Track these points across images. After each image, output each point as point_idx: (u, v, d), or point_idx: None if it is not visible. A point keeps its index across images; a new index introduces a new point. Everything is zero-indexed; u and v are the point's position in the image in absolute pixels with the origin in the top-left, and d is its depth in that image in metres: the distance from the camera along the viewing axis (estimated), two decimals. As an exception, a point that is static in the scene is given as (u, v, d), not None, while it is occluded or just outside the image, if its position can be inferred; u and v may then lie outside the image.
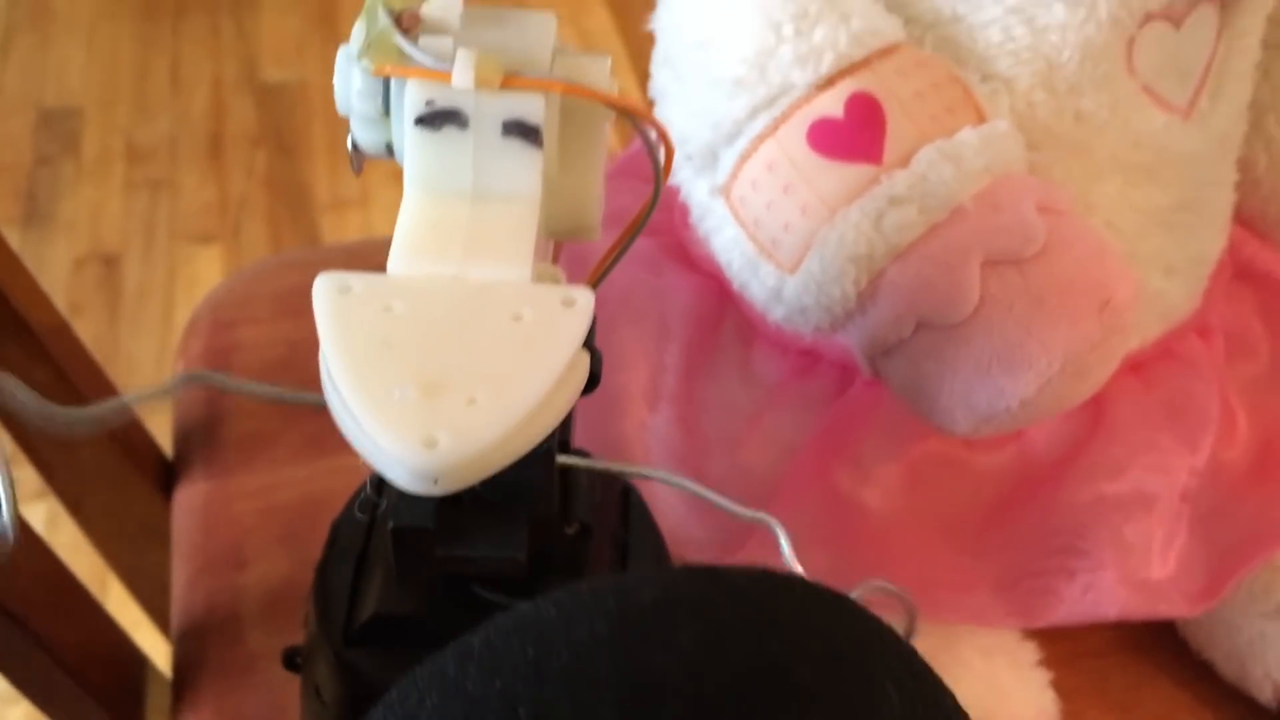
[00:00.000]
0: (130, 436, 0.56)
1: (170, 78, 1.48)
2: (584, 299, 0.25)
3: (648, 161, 0.45)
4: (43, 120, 1.44)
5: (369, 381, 0.23)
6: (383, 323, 0.24)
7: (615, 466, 0.33)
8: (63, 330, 0.52)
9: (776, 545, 0.37)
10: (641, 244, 0.48)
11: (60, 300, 1.23)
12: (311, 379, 0.61)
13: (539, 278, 0.26)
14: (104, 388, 0.55)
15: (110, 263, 1.30)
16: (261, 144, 1.41)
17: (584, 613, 0.24)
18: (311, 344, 0.65)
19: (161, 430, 0.59)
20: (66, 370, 0.50)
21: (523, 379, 0.24)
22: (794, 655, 0.24)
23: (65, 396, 0.51)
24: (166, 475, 0.56)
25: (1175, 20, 0.41)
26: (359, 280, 0.25)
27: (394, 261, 0.26)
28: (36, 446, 0.52)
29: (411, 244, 0.26)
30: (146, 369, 1.20)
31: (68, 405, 0.51)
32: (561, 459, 0.31)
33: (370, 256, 0.66)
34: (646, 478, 0.34)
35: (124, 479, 0.55)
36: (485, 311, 0.25)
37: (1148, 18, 0.40)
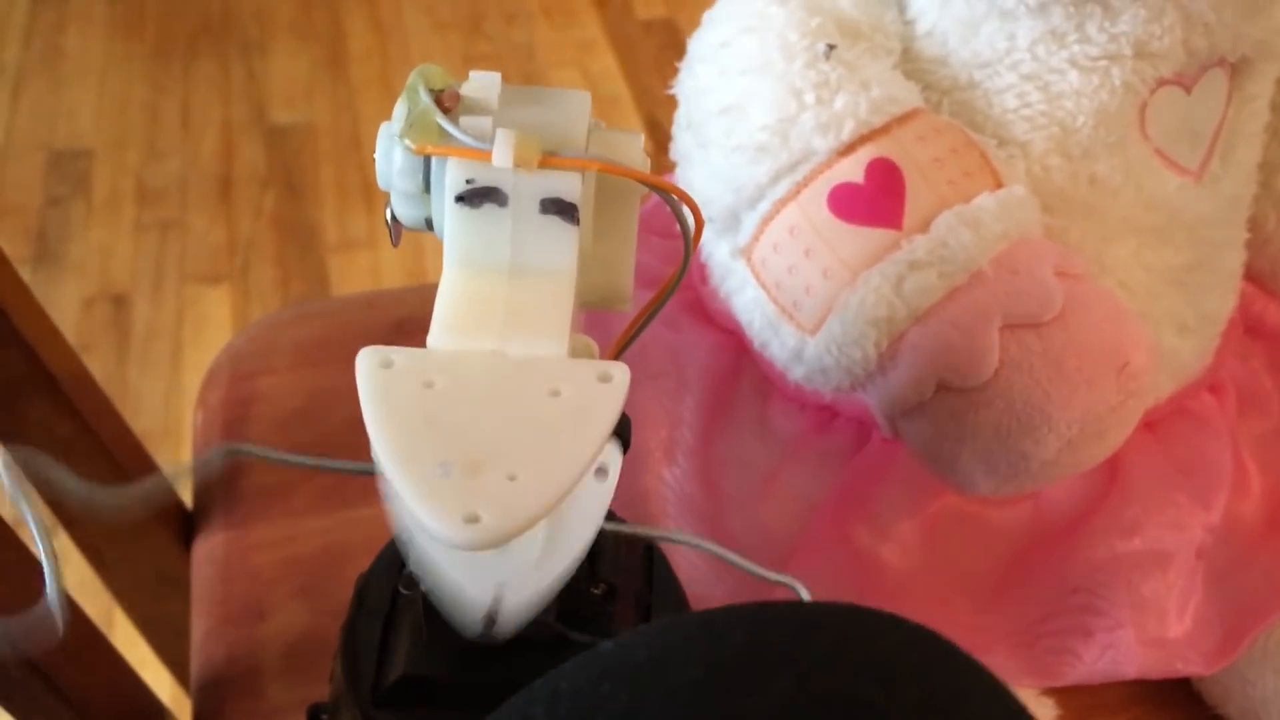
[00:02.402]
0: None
1: (180, 120, 1.50)
2: (620, 375, 0.26)
3: (666, 216, 0.45)
4: (53, 161, 1.45)
5: (411, 458, 0.24)
6: (424, 399, 0.25)
7: (644, 530, 0.33)
8: (84, 379, 0.53)
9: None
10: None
11: (69, 340, 1.24)
12: (331, 429, 0.62)
13: (574, 350, 0.27)
14: (127, 440, 0.55)
15: (119, 303, 1.31)
16: (270, 185, 1.42)
17: (676, 657, 0.24)
18: (330, 394, 0.65)
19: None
20: (90, 423, 0.51)
21: (561, 455, 0.24)
22: (891, 701, 0.23)
23: (89, 450, 0.52)
24: (186, 526, 0.57)
25: (1186, 85, 0.42)
26: (400, 355, 0.26)
27: (434, 336, 0.26)
28: (60, 501, 0.53)
29: (451, 319, 0.26)
30: (155, 409, 1.20)
31: (91, 459, 0.52)
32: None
33: (388, 307, 0.67)
34: (674, 542, 0.35)
35: (144, 529, 0.55)
36: (524, 387, 0.25)
37: (1160, 83, 0.41)
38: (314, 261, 1.35)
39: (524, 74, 1.52)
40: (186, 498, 0.58)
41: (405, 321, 0.61)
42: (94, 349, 1.26)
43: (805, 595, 0.35)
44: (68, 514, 0.55)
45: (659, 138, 1.53)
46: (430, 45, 1.59)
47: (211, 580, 0.53)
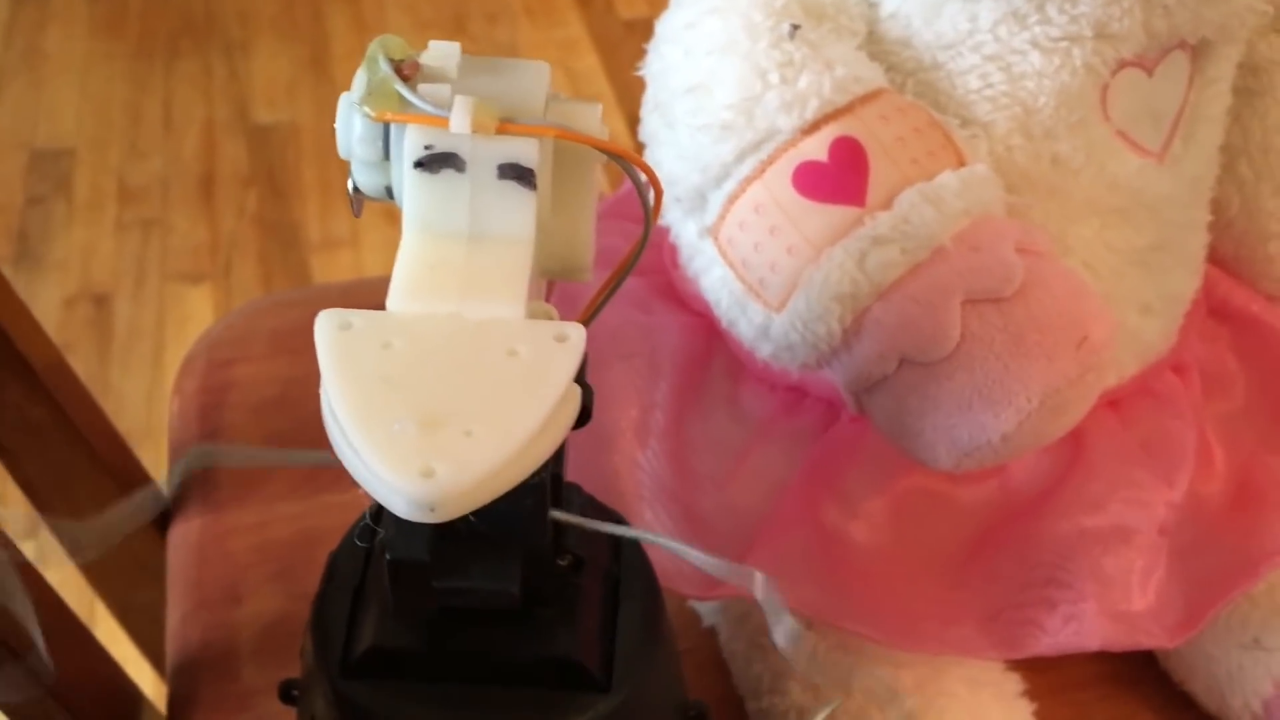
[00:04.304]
0: (126, 473, 0.56)
1: (162, 119, 1.50)
2: (576, 334, 0.26)
3: (636, 202, 0.46)
4: (35, 160, 1.45)
5: (369, 415, 0.24)
6: (382, 359, 0.25)
7: (609, 528, 0.33)
8: (61, 368, 0.53)
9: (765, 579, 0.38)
10: (631, 283, 0.49)
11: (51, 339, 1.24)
12: (306, 417, 0.62)
13: (533, 315, 0.27)
14: (101, 426, 0.55)
15: (101, 302, 1.31)
16: (252, 184, 1.42)
17: None
18: (306, 381, 0.65)
19: (157, 467, 0.60)
20: (65, 408, 0.51)
21: (518, 411, 0.25)
22: None
23: (64, 434, 0.52)
24: (162, 512, 0.57)
25: (1148, 67, 0.42)
26: (359, 317, 0.26)
27: (393, 299, 0.27)
28: (35, 486, 0.53)
29: (410, 283, 0.27)
30: (137, 408, 1.20)
31: (67, 445, 0.52)
32: (554, 514, 0.32)
33: (364, 296, 0.67)
34: (641, 539, 0.35)
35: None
36: (481, 347, 0.26)
37: (1121, 65, 0.41)
38: (296, 260, 1.35)
39: (506, 73, 1.53)
40: (160, 481, 0.58)
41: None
42: (75, 348, 1.26)
43: (759, 585, 0.34)
44: (47, 504, 0.55)
45: (641, 136, 1.53)
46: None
47: (187, 565, 0.53)
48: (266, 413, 0.59)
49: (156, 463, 0.64)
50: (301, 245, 1.36)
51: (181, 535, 0.54)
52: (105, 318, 1.30)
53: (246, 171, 1.44)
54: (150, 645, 0.62)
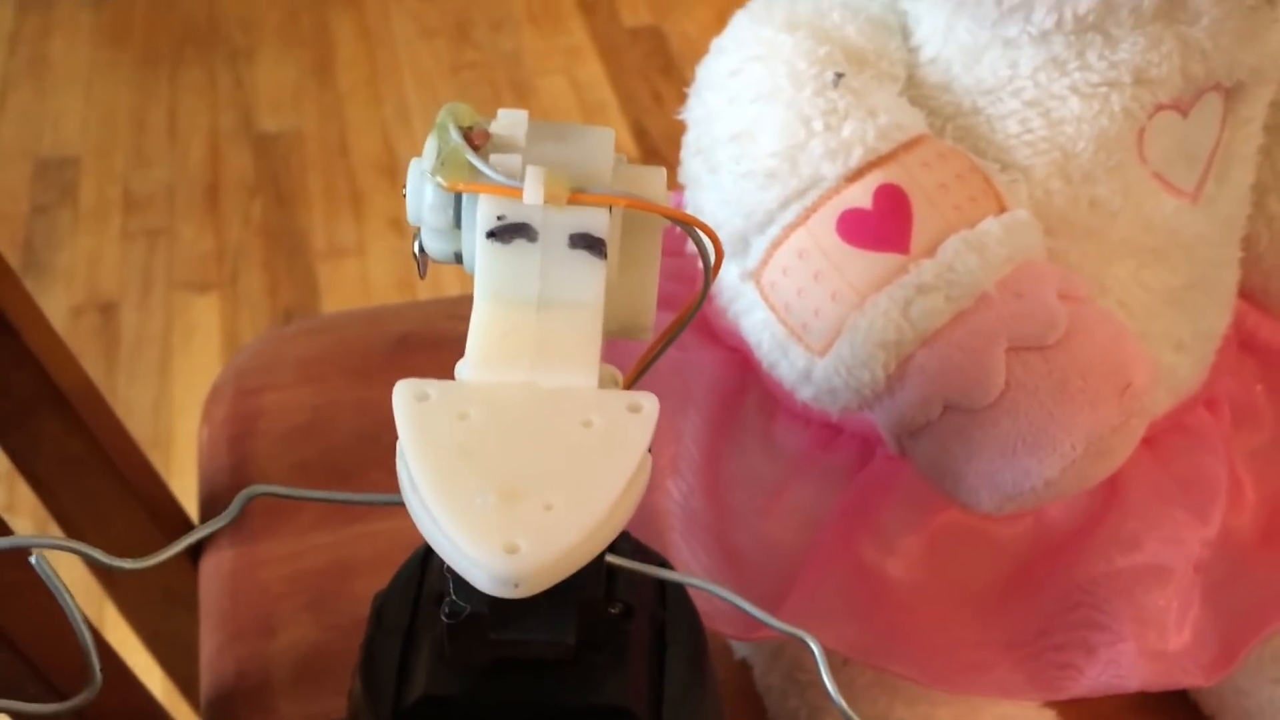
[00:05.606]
0: (157, 502, 0.57)
1: (167, 127, 1.50)
2: (649, 405, 0.26)
3: (673, 235, 0.46)
4: (40, 169, 1.45)
5: (450, 488, 0.25)
6: (459, 429, 0.26)
7: (665, 574, 0.34)
8: (94, 398, 0.53)
9: (805, 619, 0.38)
10: (665, 319, 0.50)
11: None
12: (335, 444, 0.62)
13: (602, 381, 0.28)
14: (134, 457, 0.56)
15: (107, 311, 1.31)
16: (258, 193, 1.42)
17: None
18: (332, 409, 0.66)
19: (188, 496, 0.60)
20: (100, 440, 0.51)
21: (596, 484, 0.25)
22: None
23: (99, 466, 0.52)
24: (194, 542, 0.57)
25: (1183, 110, 0.43)
26: (435, 387, 0.26)
27: (466, 368, 0.27)
28: (70, 518, 0.53)
29: (483, 352, 0.27)
30: (144, 417, 1.21)
31: (101, 477, 0.52)
32: (610, 559, 0.32)
33: (389, 323, 0.67)
34: (693, 585, 0.35)
35: (151, 545, 0.55)
36: (556, 418, 0.26)
37: (1158, 108, 0.42)
38: (302, 269, 1.35)
39: (511, 81, 1.53)
40: (193, 514, 0.59)
41: (407, 337, 0.62)
42: (83, 358, 1.24)
43: (816, 649, 0.35)
44: (80, 535, 0.55)
45: (646, 143, 1.53)
46: (418, 52, 1.59)
47: (220, 596, 0.53)
48: (295, 440, 0.59)
49: (165, 471, 0.64)
50: (308, 253, 1.36)
51: (214, 565, 0.55)
52: (112, 327, 1.30)
53: (252, 180, 1.44)
54: (180, 673, 0.62)
